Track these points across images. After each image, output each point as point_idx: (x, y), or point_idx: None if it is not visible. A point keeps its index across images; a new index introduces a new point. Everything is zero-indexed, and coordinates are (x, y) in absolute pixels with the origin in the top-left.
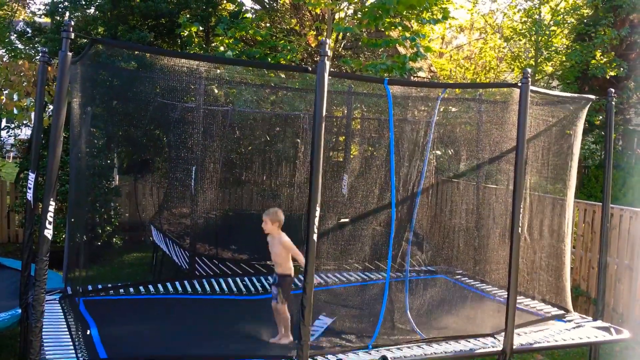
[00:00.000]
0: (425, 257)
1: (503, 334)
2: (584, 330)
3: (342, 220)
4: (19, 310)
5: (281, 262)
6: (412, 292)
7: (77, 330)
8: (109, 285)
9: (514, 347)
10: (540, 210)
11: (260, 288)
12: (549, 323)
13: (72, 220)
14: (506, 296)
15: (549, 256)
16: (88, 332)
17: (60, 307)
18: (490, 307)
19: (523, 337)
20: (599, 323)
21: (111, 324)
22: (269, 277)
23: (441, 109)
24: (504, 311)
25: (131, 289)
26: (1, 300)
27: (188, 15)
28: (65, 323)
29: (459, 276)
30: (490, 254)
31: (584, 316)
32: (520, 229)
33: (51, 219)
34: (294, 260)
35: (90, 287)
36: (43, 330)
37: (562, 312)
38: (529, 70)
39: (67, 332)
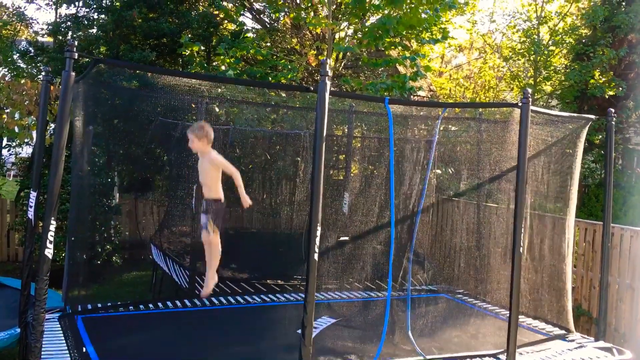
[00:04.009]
0: (426, 276)
1: (505, 354)
2: (586, 350)
3: (342, 238)
4: (18, 330)
5: (210, 184)
6: (413, 311)
7: (76, 349)
8: (109, 304)
9: None
10: (541, 230)
11: (259, 299)
12: (550, 343)
13: (73, 238)
14: (508, 316)
15: (550, 276)
16: (84, 350)
17: (59, 327)
18: (492, 326)
19: (525, 357)
20: (601, 343)
21: (110, 343)
22: (270, 296)
23: (441, 128)
24: (506, 329)
25: (131, 308)
26: (0, 319)
27: (190, 35)
28: (64, 342)
29: (460, 295)
30: (491, 273)
31: (586, 336)
32: (521, 248)
33: (52, 239)
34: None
35: (90, 306)
36: (42, 349)
37: (563, 332)
38: (529, 90)
39: (67, 352)
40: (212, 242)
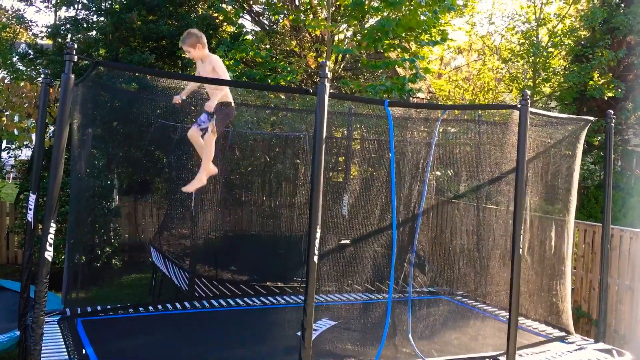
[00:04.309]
0: (426, 279)
1: (504, 356)
2: (585, 352)
3: (343, 241)
4: (18, 332)
5: (216, 87)
6: (413, 313)
7: (76, 352)
8: (109, 307)
9: None
10: (540, 231)
11: (259, 301)
12: (550, 345)
13: (72, 241)
14: (507, 318)
15: (550, 277)
16: (84, 352)
17: (59, 329)
18: (492, 328)
19: (524, 359)
20: (601, 345)
21: (110, 346)
22: (270, 298)
23: (440, 130)
24: (505, 330)
25: (130, 310)
26: (0, 322)
27: None
28: (64, 345)
29: (460, 297)
30: (491, 275)
31: (586, 338)
32: (520, 250)
33: (51, 241)
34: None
35: (89, 309)
36: (42, 352)
37: (563, 333)
38: (528, 92)
39: (66, 354)
40: (208, 144)
